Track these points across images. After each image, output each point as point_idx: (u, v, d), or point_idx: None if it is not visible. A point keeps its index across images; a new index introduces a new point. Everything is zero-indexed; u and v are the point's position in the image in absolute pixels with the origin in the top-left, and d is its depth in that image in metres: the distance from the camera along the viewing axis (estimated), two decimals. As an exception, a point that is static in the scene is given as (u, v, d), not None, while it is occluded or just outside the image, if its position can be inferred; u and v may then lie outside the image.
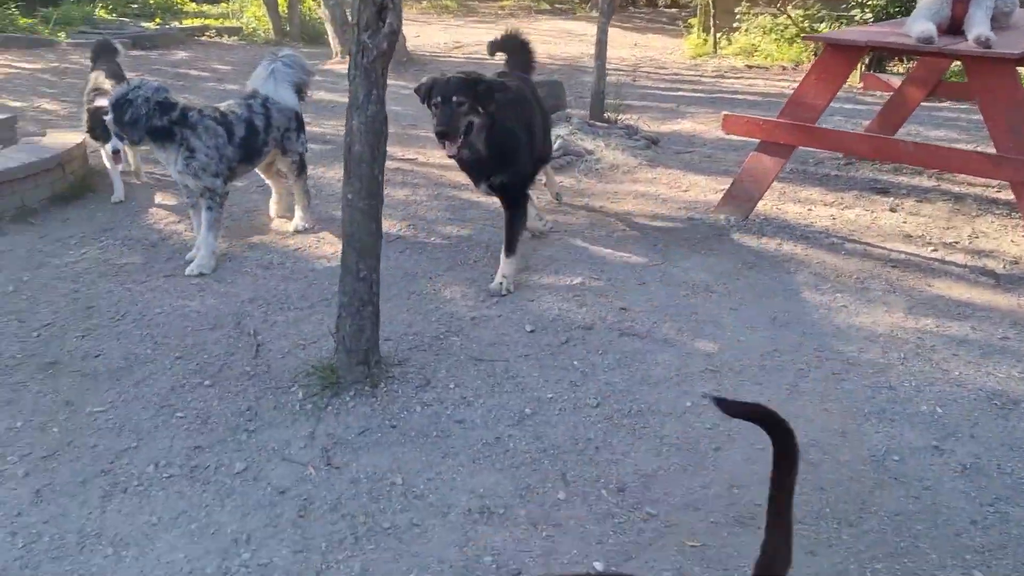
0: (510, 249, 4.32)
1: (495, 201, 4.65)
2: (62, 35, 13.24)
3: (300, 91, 5.37)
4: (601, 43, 7.33)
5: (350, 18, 10.35)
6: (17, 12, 14.52)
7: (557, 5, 19.66)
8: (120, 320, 4.01)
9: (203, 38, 13.88)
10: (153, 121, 4.36)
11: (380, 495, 2.76)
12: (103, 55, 6.18)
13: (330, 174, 6.62)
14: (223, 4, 17.31)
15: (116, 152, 5.49)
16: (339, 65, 11.45)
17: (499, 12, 18.46)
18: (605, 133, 7.04)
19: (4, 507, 2.68)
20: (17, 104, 8.66)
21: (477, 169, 4.32)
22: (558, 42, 14.25)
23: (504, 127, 4.15)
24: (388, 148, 3.27)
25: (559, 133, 6.81)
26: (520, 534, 2.57)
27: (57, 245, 4.94)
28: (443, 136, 3.92)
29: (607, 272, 4.55)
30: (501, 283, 4.29)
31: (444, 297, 4.27)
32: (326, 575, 2.41)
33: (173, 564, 2.45)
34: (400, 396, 3.33)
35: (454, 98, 3.93)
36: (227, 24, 14.79)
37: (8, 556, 2.47)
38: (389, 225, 4.91)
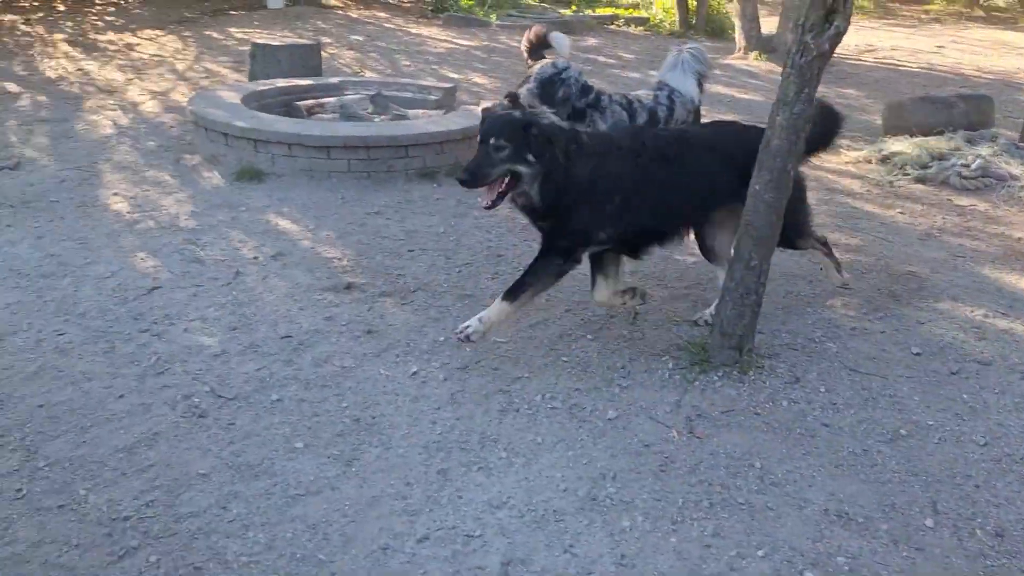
0: (510, 294, 3.49)
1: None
2: (493, 17, 14.98)
3: (699, 83, 5.51)
4: (1052, 56, 6.47)
5: (777, 15, 10.25)
6: (462, -6, 16.69)
7: (994, 13, 17.48)
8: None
9: (612, 26, 14.79)
10: (576, 101, 4.86)
11: (737, 472, 2.88)
12: (540, 47, 6.54)
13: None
14: (635, -5, 18.20)
15: None
16: (740, 60, 11.49)
17: (922, 17, 16.93)
18: (1038, 158, 6.24)
19: (428, 401, 3.29)
20: (455, 76, 10.07)
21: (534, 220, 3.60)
22: (990, 54, 12.73)
23: (575, 177, 3.37)
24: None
25: (980, 152, 6.19)
26: (879, 547, 2.53)
27: (477, 200, 5.74)
28: (463, 183, 3.33)
29: (1017, 309, 4.12)
30: (475, 328, 3.44)
31: (822, 302, 4.21)
32: (681, 527, 2.61)
33: (552, 480, 2.83)
34: (767, 388, 3.40)
35: (492, 140, 3.28)
36: (635, 14, 15.57)
37: (428, 438, 3.04)
38: (775, 223, 4.92)
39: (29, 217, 5.05)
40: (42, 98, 8.33)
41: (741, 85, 9.92)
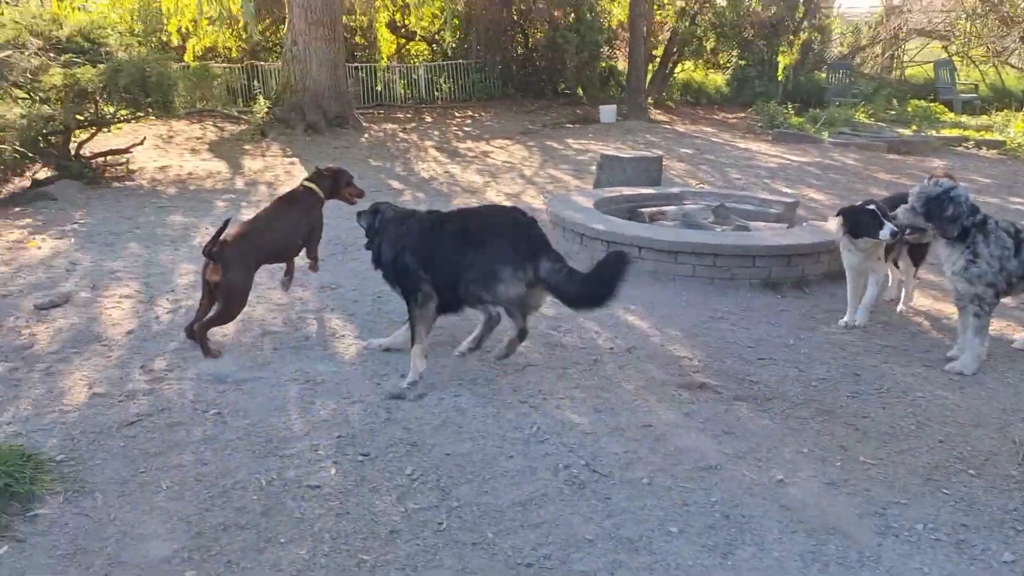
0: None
1: None
2: (825, 134, 14.77)
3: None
4: None
5: None
6: (792, 112, 16.79)
7: None
8: (884, 393, 4.41)
9: (959, 148, 13.85)
10: (964, 220, 4.64)
11: None
12: None
13: (1109, 305, 6.00)
14: (984, 116, 16.96)
15: (894, 234, 5.59)
16: (1126, 190, 10.15)
17: None
18: None
19: (797, 511, 3.26)
20: (788, 190, 10.05)
21: None
22: None
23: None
24: None
25: None
26: None
27: (825, 315, 5.65)
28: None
29: None
30: None
31: None
32: None
33: (947, 616, 2.66)
34: None
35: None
36: (987, 136, 14.44)
37: (803, 547, 3.01)
38: None
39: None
40: (420, 195, 9.73)
41: None
